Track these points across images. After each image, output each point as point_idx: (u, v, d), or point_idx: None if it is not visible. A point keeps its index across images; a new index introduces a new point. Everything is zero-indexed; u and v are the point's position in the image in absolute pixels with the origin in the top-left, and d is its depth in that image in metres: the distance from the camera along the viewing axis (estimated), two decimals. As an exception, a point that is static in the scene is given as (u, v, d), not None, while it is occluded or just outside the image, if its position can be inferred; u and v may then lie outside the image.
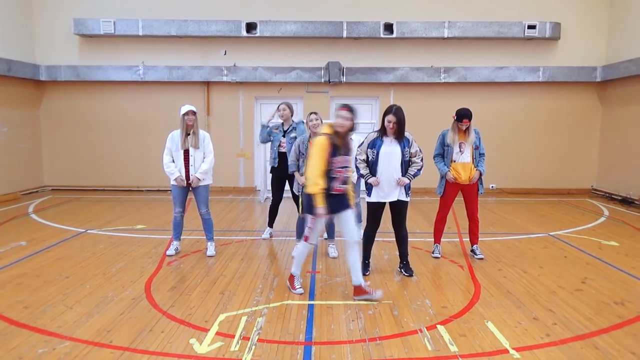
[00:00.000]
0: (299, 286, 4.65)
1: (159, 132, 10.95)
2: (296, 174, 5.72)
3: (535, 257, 5.90)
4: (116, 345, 3.50)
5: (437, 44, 11.02)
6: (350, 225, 4.47)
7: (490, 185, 11.15)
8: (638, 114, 9.84)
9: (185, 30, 10.68)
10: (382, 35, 10.65)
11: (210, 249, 5.90)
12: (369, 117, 11.18)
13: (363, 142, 5.11)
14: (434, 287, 4.85)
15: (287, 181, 6.37)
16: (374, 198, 5.03)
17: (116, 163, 11.47)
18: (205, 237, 6.01)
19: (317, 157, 4.25)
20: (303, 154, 5.64)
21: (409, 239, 5.25)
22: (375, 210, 5.09)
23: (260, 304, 4.33)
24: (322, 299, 4.48)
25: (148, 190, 11.34)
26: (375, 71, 10.96)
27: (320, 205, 4.26)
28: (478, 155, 5.55)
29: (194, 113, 5.58)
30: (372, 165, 4.99)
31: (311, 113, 5.71)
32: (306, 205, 4.47)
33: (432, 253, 5.88)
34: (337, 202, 4.39)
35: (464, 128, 5.46)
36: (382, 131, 4.96)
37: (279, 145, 6.32)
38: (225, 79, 10.98)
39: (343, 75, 10.93)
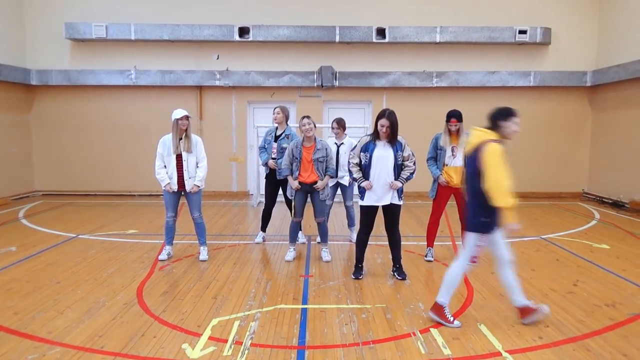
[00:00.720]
0: (451, 318, 3.93)
1: (151, 136, 10.93)
2: (289, 179, 5.72)
3: (528, 260, 5.93)
4: (108, 351, 3.47)
5: (429, 49, 11.09)
6: (502, 243, 4.01)
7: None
8: (627, 118, 9.95)
9: (178, 35, 10.68)
10: (374, 40, 10.71)
11: (203, 254, 5.87)
12: (361, 121, 11.21)
13: (356, 145, 5.12)
14: (427, 290, 4.86)
15: (280, 186, 6.38)
16: (367, 201, 5.04)
17: (108, 168, 11.40)
18: (197, 242, 5.99)
19: (500, 167, 3.65)
20: (297, 158, 5.64)
21: (402, 243, 5.27)
22: (368, 213, 5.10)
23: (253, 308, 4.32)
24: (315, 303, 4.48)
25: (140, 195, 11.28)
26: (367, 76, 11.01)
27: (512, 220, 3.76)
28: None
29: (187, 118, 5.57)
30: (365, 169, 5.00)
31: (304, 117, 5.72)
32: (485, 221, 3.84)
33: (425, 256, 5.89)
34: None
35: (453, 129, 5.49)
36: (375, 135, 4.98)
37: (272, 150, 6.35)
38: (217, 83, 10.98)
39: (336, 80, 10.97)
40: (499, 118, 3.91)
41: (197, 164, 5.68)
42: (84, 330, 3.81)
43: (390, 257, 5.30)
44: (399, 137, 4.98)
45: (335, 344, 3.63)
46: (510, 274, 3.99)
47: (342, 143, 6.46)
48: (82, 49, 11.06)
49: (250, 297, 4.61)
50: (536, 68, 11.07)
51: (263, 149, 6.56)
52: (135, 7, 10.94)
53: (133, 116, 11.26)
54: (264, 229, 6.75)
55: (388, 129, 4.87)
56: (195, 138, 5.71)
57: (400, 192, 5.04)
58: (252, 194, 10.70)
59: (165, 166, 5.63)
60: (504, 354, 3.44)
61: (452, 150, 5.55)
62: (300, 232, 6.61)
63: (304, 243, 6.66)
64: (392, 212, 5.10)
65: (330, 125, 6.66)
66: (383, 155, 4.94)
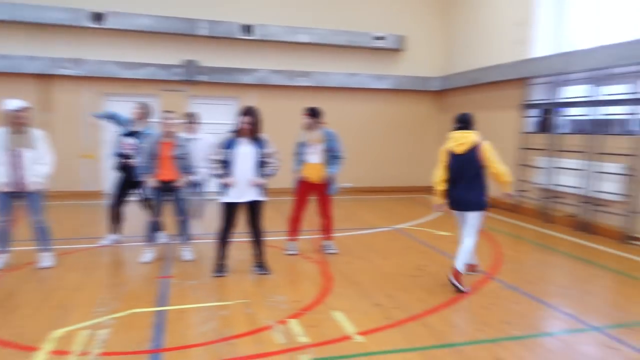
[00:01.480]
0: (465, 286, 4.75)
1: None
2: (147, 178, 5.45)
3: (381, 249, 6.43)
4: None
5: (295, 49, 11.38)
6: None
7: (346, 184, 11.83)
8: (466, 120, 11.28)
9: (16, 15, 9.46)
10: (241, 36, 10.66)
11: (46, 260, 5.31)
12: (229, 118, 11.07)
13: (218, 142, 5.07)
14: (288, 283, 5.01)
15: (133, 184, 6.05)
16: (229, 198, 5.03)
17: None
18: (39, 248, 5.38)
19: (496, 156, 4.79)
20: (155, 155, 5.40)
21: (264, 238, 5.35)
22: (230, 210, 5.09)
23: (103, 315, 4.03)
24: (174, 304, 4.34)
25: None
26: (234, 72, 10.93)
27: (509, 189, 4.87)
28: (331, 157, 5.85)
29: (26, 109, 5.00)
30: (227, 166, 4.99)
31: (167, 112, 5.50)
32: (485, 200, 4.82)
33: (288, 250, 6.06)
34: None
35: (303, 121, 5.76)
36: (238, 132, 4.99)
37: (121, 145, 5.99)
38: (67, 72, 9.98)
39: (201, 74, 10.70)
40: (473, 123, 4.97)
41: (39, 160, 5.11)
42: None
43: (253, 253, 5.36)
44: (262, 135, 5.05)
45: (193, 343, 3.57)
46: (470, 242, 4.89)
47: (195, 138, 6.33)
48: None
49: (101, 303, 4.30)
50: (392, 72, 12.02)
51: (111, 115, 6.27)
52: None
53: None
54: (116, 230, 6.35)
55: (250, 125, 4.91)
56: (36, 132, 5.14)
57: (262, 188, 5.12)
58: (107, 194, 9.95)
59: None
60: (355, 337, 3.70)
61: (311, 147, 5.79)
62: (160, 231, 6.34)
63: (164, 243, 6.40)
64: (254, 208, 5.15)
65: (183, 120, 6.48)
66: (245, 152, 4.98)
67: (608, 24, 8.01)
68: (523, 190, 9.21)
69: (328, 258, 5.92)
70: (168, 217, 5.87)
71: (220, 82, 10.94)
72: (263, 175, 5.06)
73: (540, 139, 8.89)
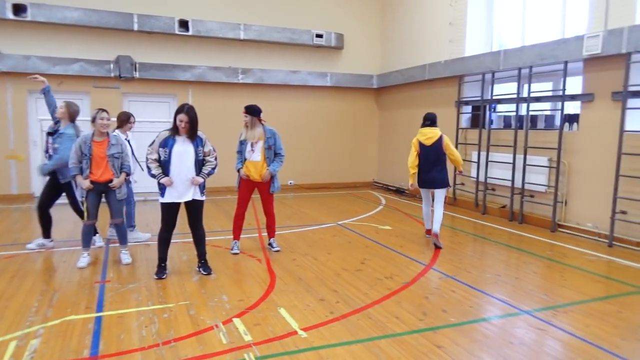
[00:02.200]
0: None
1: None
2: (78, 178, 5.21)
3: (325, 245, 6.52)
4: None
5: (234, 45, 11.24)
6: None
7: (289, 182, 11.87)
8: (404, 116, 11.64)
9: None
10: (177, 32, 10.40)
11: (-31, 269, 4.97)
12: (166, 116, 10.78)
13: (154, 141, 4.93)
14: (232, 282, 4.97)
15: (61, 187, 5.80)
16: (167, 198, 4.91)
17: None
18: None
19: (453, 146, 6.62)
20: (87, 155, 5.17)
21: (206, 238, 5.27)
22: (169, 210, 4.97)
23: (35, 324, 3.83)
24: (112, 309, 4.18)
25: None
26: (171, 68, 10.64)
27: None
28: (272, 154, 5.85)
29: None
30: (164, 165, 4.87)
31: (100, 110, 5.28)
32: (448, 179, 6.50)
33: (232, 249, 6.00)
34: None
35: (244, 119, 5.74)
36: (175, 130, 4.88)
37: (46, 145, 5.76)
38: (-15, 67, 9.33)
39: (136, 71, 10.33)
40: (436, 120, 6.52)
41: None
42: None
43: (196, 253, 5.27)
44: (200, 132, 4.98)
45: (132, 348, 3.46)
46: (441, 211, 6.42)
47: (130, 138, 6.21)
48: None
49: (32, 312, 4.07)
50: (332, 70, 12.16)
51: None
52: None
53: None
54: (45, 234, 6.04)
55: (187, 124, 4.83)
56: None
57: (202, 187, 5.04)
58: (37, 197, 9.41)
59: None
60: (300, 332, 3.74)
61: (252, 146, 5.76)
62: (97, 235, 6.09)
63: (101, 247, 6.15)
64: (195, 208, 5.07)
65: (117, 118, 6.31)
66: (183, 151, 4.88)
67: (534, 24, 8.55)
68: (460, 184, 9.64)
69: (272, 256, 5.92)
70: (104, 219, 5.64)
71: (156, 79, 10.62)
72: (202, 174, 4.99)
73: (474, 134, 9.33)
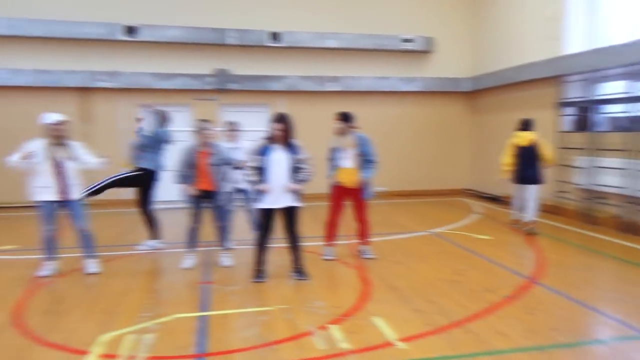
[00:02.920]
0: None
1: (25, 142, 9.96)
2: (184, 186, 5.56)
3: (419, 253, 6.37)
4: (-23, 382, 3.12)
5: (323, 54, 11.44)
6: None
7: (381, 188, 11.77)
8: (500, 120, 11.08)
9: (53, 32, 9.86)
10: (269, 44, 10.80)
11: (91, 266, 5.48)
12: (259, 125, 11.20)
13: (253, 149, 5.16)
14: (326, 288, 5.01)
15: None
16: (265, 204, 5.09)
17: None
18: (85, 255, 5.56)
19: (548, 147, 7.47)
20: (192, 164, 5.51)
21: (301, 244, 5.37)
22: (267, 216, 5.14)
23: (147, 320, 4.13)
24: (215, 309, 4.40)
25: (16, 207, 10.19)
26: (264, 79, 11.07)
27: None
28: (364, 161, 5.84)
29: (64, 123, 5.21)
30: (262, 172, 5.05)
31: (203, 122, 5.62)
32: (541, 178, 7.34)
33: (325, 255, 6.06)
34: None
35: (335, 126, 5.78)
36: (271, 139, 5.06)
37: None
38: (104, 84, 10.32)
39: (232, 83, 10.87)
40: (533, 125, 7.39)
41: (86, 164, 5.38)
42: (-54, 362, 3.38)
43: (291, 258, 5.39)
44: (294, 141, 5.11)
45: (237, 348, 3.61)
46: (534, 204, 7.33)
47: (237, 147, 6.46)
48: (-63, 43, 9.76)
49: (145, 308, 4.40)
50: (421, 74, 11.92)
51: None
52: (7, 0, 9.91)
53: (4, 120, 10.15)
54: (155, 235, 6.54)
55: (282, 132, 4.98)
56: (74, 143, 5.35)
57: (297, 193, 5.15)
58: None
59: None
60: (397, 343, 3.67)
61: (343, 152, 5.79)
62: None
63: (204, 249, 6.50)
64: (290, 214, 5.19)
65: (224, 129, 6.67)
66: (279, 159, 5.04)
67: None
68: (563, 192, 8.96)
69: (365, 263, 5.89)
70: (208, 223, 5.95)
71: (250, 90, 11.09)
72: (297, 181, 5.10)
73: (578, 138, 8.64)
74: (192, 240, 5.78)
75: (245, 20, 10.88)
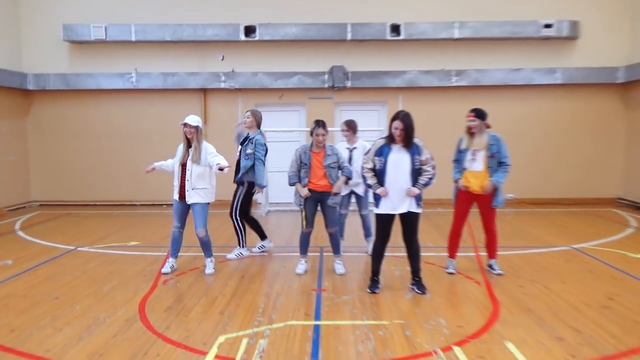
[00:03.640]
0: None
1: (152, 143, 11.07)
2: (297, 186, 5.71)
3: (558, 271, 5.85)
4: (108, 371, 3.49)
5: (447, 46, 11.07)
6: None
7: (508, 195, 11.10)
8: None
9: (180, 35, 10.81)
10: (388, 38, 10.73)
11: (209, 267, 5.89)
12: (376, 124, 11.19)
13: (370, 149, 5.12)
14: (449, 305, 4.81)
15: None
16: (382, 210, 5.02)
17: (108, 176, 11.52)
18: (203, 254, 6.00)
19: None
20: (306, 165, 5.64)
21: (421, 254, 5.22)
22: (384, 222, 5.08)
23: (262, 324, 4.31)
24: (328, 319, 4.46)
25: (142, 205, 11.37)
26: (382, 75, 11.02)
27: None
28: (496, 163, 5.51)
29: (188, 125, 5.60)
30: (379, 175, 4.99)
31: (318, 124, 5.61)
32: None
33: (446, 268, 5.84)
34: None
35: (469, 124, 5.48)
36: (390, 138, 4.97)
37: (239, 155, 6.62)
38: (223, 85, 11.07)
39: (348, 80, 10.99)
40: None
41: (207, 170, 5.70)
42: (83, 348, 3.83)
43: (409, 269, 5.27)
44: (416, 140, 4.97)
45: (350, 363, 3.61)
46: None
47: (355, 147, 6.47)
48: (80, 51, 11.23)
49: (259, 312, 4.61)
50: (563, 64, 10.98)
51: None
52: (136, 7, 11.09)
53: (134, 121, 11.39)
54: (263, 236, 6.89)
55: (402, 131, 4.86)
56: (204, 145, 5.70)
57: (418, 199, 5.01)
58: (261, 203, 10.74)
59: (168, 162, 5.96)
60: (534, 374, 3.39)
61: (473, 154, 5.51)
62: (266, 240, 6.87)
63: (317, 255, 6.64)
64: (410, 221, 5.07)
65: (340, 129, 6.70)
66: (399, 160, 4.93)
67: None
68: None
69: (493, 279, 5.56)
70: (321, 228, 6.07)
71: (366, 87, 11.12)
72: (419, 185, 4.96)
73: None
74: (305, 245, 5.92)
75: (363, 13, 10.93)
